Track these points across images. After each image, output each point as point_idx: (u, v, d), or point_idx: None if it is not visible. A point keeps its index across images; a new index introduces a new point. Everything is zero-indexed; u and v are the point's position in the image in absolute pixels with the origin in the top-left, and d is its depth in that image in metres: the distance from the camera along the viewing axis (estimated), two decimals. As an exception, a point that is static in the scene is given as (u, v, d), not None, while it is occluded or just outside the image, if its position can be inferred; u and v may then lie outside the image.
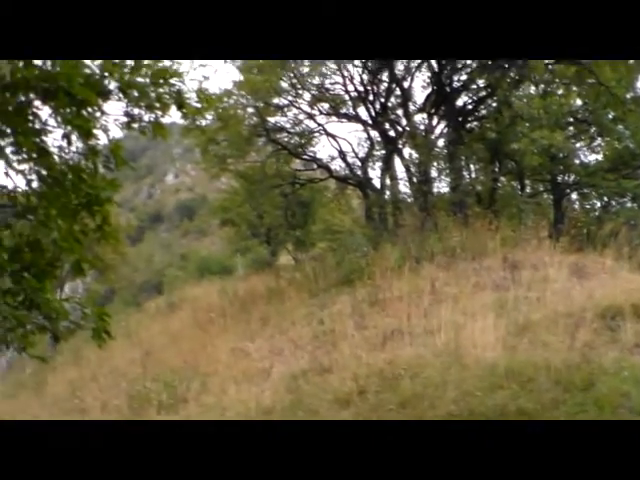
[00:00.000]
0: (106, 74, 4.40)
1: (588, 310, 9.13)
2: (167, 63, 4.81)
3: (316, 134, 23.78)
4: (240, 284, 22.51)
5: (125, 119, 5.11)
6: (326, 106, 22.86)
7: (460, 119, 20.24)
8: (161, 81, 4.82)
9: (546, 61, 17.43)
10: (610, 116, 18.32)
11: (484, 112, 20.86)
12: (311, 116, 22.86)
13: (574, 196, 22.15)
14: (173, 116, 5.40)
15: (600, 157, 20.95)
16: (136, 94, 4.85)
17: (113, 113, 5.00)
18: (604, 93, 16.82)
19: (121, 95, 4.76)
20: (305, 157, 24.32)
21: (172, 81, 4.88)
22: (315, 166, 24.74)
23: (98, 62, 4.43)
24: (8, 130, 4.14)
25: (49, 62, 4.09)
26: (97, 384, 14.37)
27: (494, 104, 19.87)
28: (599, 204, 21.39)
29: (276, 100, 21.92)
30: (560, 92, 18.57)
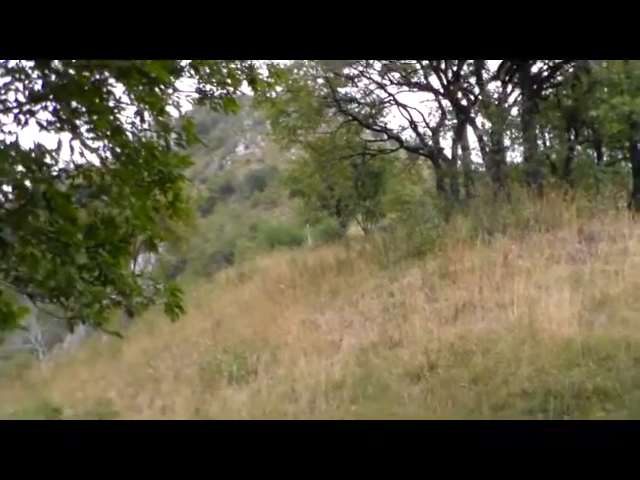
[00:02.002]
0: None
1: (670, 284, 8.86)
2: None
3: (387, 104, 23.65)
4: (310, 255, 22.59)
5: (197, 95, 5.13)
6: (397, 75, 22.64)
7: (535, 86, 19.68)
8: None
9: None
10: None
11: (560, 79, 20.25)
12: (382, 86, 22.67)
13: (656, 163, 21.41)
14: (243, 88, 5.39)
15: (686, 122, 20.14)
16: (208, 70, 4.86)
17: (185, 89, 5.02)
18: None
19: (193, 72, 4.76)
20: (375, 127, 24.16)
21: (243, 56, 4.85)
22: (385, 136, 24.56)
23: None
24: (83, 109, 4.18)
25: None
26: (170, 353, 14.71)
27: (571, 70, 19.27)
28: (684, 171, 20.61)
29: (346, 70, 21.80)
30: (643, 54, 17.84)
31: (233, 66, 5.06)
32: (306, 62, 20.87)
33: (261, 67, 5.40)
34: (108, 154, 4.43)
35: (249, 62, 5.12)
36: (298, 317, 12.55)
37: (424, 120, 23.50)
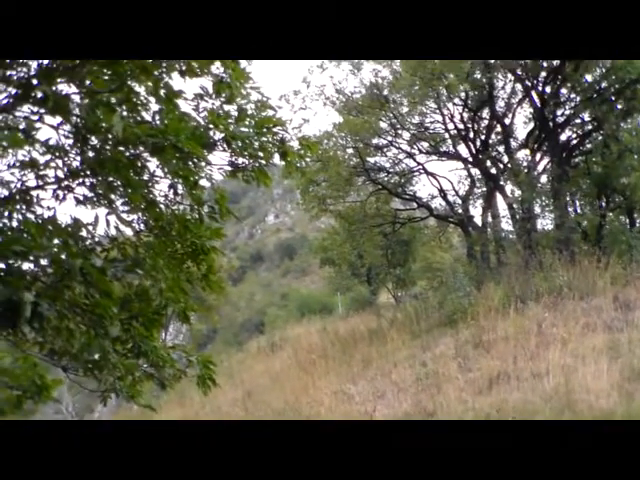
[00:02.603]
0: (211, 126, 4.48)
1: None
2: (270, 112, 4.87)
3: (416, 173, 23.81)
4: (341, 324, 22.52)
5: (229, 168, 5.21)
6: (425, 145, 22.84)
7: (564, 154, 19.76)
8: (264, 130, 4.88)
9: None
10: None
11: (590, 147, 20.32)
12: (411, 155, 22.87)
13: (688, 230, 21.21)
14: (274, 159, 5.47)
15: None
16: (240, 144, 4.94)
17: (218, 163, 5.10)
18: None
19: (225, 146, 4.85)
20: (405, 196, 24.29)
21: (275, 129, 4.92)
22: (415, 205, 24.67)
23: (204, 114, 4.53)
24: (118, 183, 4.26)
25: (157, 117, 4.20)
26: (201, 424, 14.56)
27: (600, 138, 19.33)
28: None
29: (375, 140, 22.08)
30: (671, 122, 17.92)
31: (264, 139, 5.14)
32: (336, 133, 21.18)
33: (292, 139, 5.48)
34: (142, 226, 4.50)
35: (281, 135, 5.18)
36: (330, 387, 12.42)
37: (453, 188, 23.62)
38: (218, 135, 4.83)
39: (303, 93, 20.07)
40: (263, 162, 5.20)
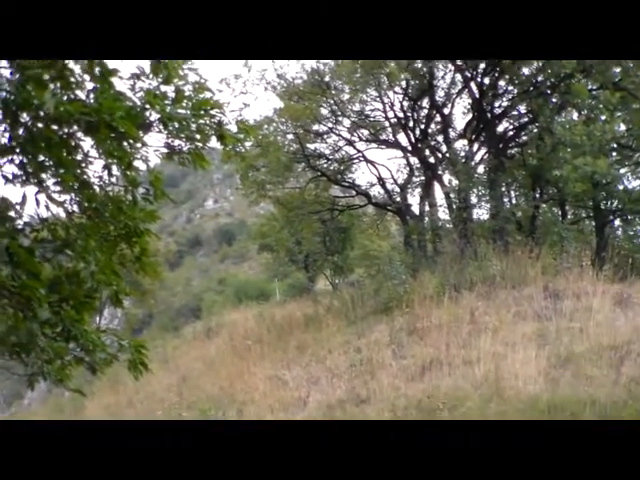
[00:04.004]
0: (147, 106, 4.40)
1: (634, 343, 8.94)
2: (208, 94, 4.81)
3: (355, 160, 23.87)
4: (277, 310, 22.52)
5: (165, 150, 5.13)
6: (366, 132, 22.94)
7: (501, 145, 20.09)
8: (202, 112, 4.81)
9: (589, 86, 17.29)
10: (655, 141, 18.08)
11: (525, 138, 20.70)
12: (350, 142, 22.93)
13: (617, 223, 21.82)
14: (213, 143, 5.41)
15: (644, 183, 20.66)
16: (177, 126, 4.87)
17: (154, 144, 5.03)
18: (649, 118, 16.62)
19: (162, 127, 4.78)
20: (344, 183, 24.35)
21: (213, 112, 4.86)
22: (354, 192, 24.74)
23: (140, 94, 4.45)
24: (50, 162, 4.17)
25: (92, 96, 4.12)
26: (134, 410, 14.42)
27: (535, 130, 19.71)
28: (643, 231, 21.02)
29: (316, 127, 22.05)
30: (603, 118, 18.36)
31: (202, 121, 5.08)
32: (276, 118, 21.10)
33: (230, 123, 5.42)
34: (74, 207, 4.41)
35: (218, 118, 5.12)
36: (265, 373, 12.43)
37: (392, 177, 23.75)
38: (154, 116, 4.76)
39: (244, 77, 19.91)
40: (200, 145, 5.14)
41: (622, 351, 8.68)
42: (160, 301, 39.47)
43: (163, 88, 4.57)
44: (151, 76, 4.47)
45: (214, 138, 5.25)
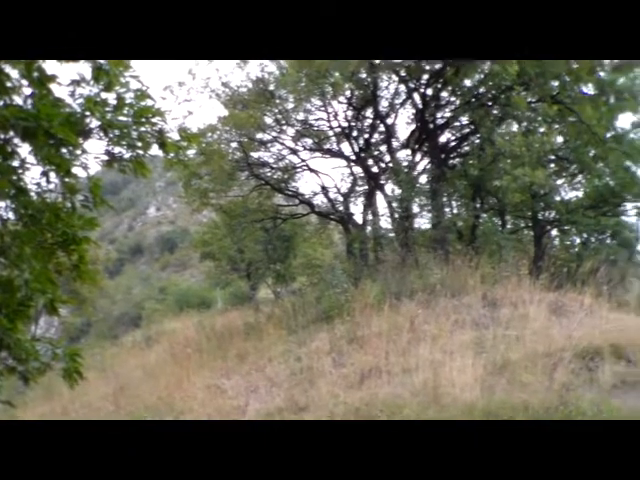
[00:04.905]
0: (87, 113, 4.38)
1: (567, 350, 9.16)
2: (150, 102, 4.80)
3: (299, 169, 23.93)
4: (219, 318, 22.42)
5: (106, 157, 5.10)
6: (309, 142, 23.00)
7: (443, 156, 20.40)
8: (143, 120, 4.81)
9: (528, 99, 17.68)
10: (591, 154, 18.57)
11: (467, 149, 21.06)
12: (294, 151, 22.99)
13: (554, 233, 22.34)
14: (156, 150, 5.39)
15: (580, 194, 21.21)
16: (117, 133, 4.85)
17: (94, 151, 5.00)
18: (585, 131, 17.06)
19: (102, 134, 4.75)
20: (287, 192, 24.40)
21: (154, 120, 4.86)
22: (297, 201, 24.80)
23: (80, 101, 4.43)
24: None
25: (29, 101, 4.09)
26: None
27: (477, 141, 20.08)
28: (579, 241, 21.58)
29: (260, 135, 22.04)
30: (542, 130, 18.80)
31: (143, 129, 5.07)
32: (220, 126, 21.03)
33: (172, 131, 5.42)
34: (10, 214, 4.35)
35: (160, 126, 5.11)
36: (204, 382, 12.34)
37: (335, 186, 23.86)
38: (94, 123, 4.73)
39: (188, 85, 19.83)
40: (141, 153, 5.12)
41: (556, 358, 8.89)
42: (99, 309, 38.85)
43: (104, 95, 4.56)
44: (92, 82, 4.46)
45: (156, 146, 5.25)
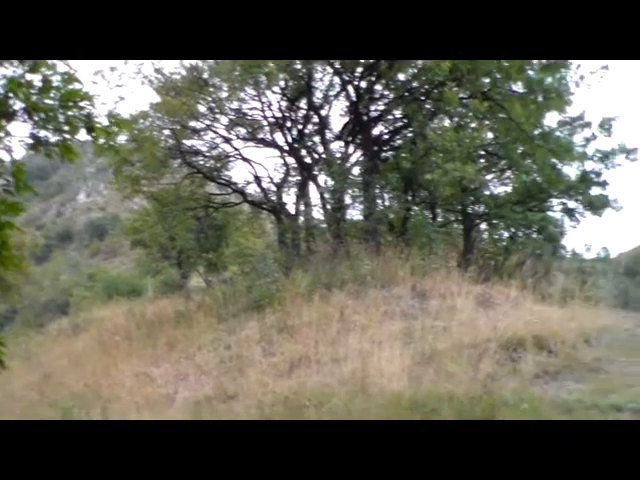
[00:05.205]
0: (11, 95, 4.28)
1: (492, 341, 9.37)
2: (78, 86, 4.72)
3: (232, 158, 23.79)
4: (149, 306, 22.20)
5: (31, 141, 4.99)
6: (243, 131, 22.87)
7: (376, 148, 20.55)
8: (71, 104, 4.72)
9: (460, 95, 17.95)
10: (519, 150, 18.94)
11: (399, 142, 21.24)
12: (228, 140, 22.83)
13: (483, 227, 22.76)
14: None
15: (509, 189, 21.63)
16: (43, 116, 4.75)
17: (19, 134, 4.88)
18: (514, 128, 17.39)
19: (26, 117, 4.65)
20: (220, 181, 24.23)
21: (82, 104, 4.78)
22: (230, 190, 24.67)
23: (2, 82, 4.33)
24: None
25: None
26: (-12, 410, 13.81)
27: (409, 135, 20.29)
28: (506, 235, 22.02)
29: (193, 123, 21.82)
30: (473, 125, 19.11)
31: (71, 113, 4.97)
32: (152, 113, 20.74)
33: (100, 116, 5.33)
34: None
35: (87, 110, 5.03)
36: (132, 370, 12.20)
37: (268, 176, 23.81)
38: (19, 105, 4.63)
39: (120, 70, 19.45)
40: (68, 137, 5.03)
41: (481, 349, 9.09)
42: (25, 296, 37.93)
43: (29, 77, 4.46)
44: (16, 63, 4.36)
45: (84, 131, 5.16)
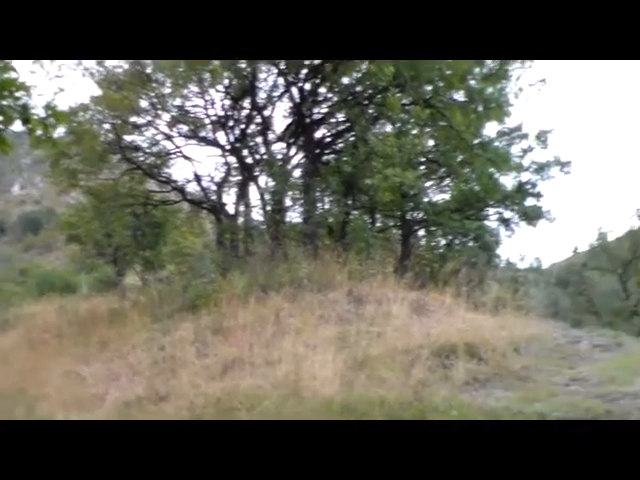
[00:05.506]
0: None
1: (424, 347, 9.47)
2: (14, 75, 4.61)
3: (173, 156, 23.54)
4: (82, 304, 21.81)
5: (-39, 129, 4.85)
6: (185, 128, 22.65)
7: (317, 151, 20.62)
8: (5, 93, 4.62)
9: (403, 101, 18.14)
10: (459, 159, 19.26)
11: (341, 146, 21.36)
12: (169, 137, 22.60)
13: (421, 233, 23.04)
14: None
15: (448, 197, 21.98)
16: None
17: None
18: (454, 136, 17.68)
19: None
20: (160, 178, 23.96)
21: (18, 94, 4.67)
22: (169, 188, 24.43)
23: None
24: None
25: None
26: None
27: (351, 139, 20.42)
28: (444, 242, 22.33)
29: (134, 118, 21.53)
30: (414, 132, 19.32)
31: (5, 103, 4.86)
32: (93, 106, 20.40)
33: (37, 107, 5.22)
34: None
35: (23, 101, 4.92)
36: (62, 368, 11.92)
37: (209, 175, 23.64)
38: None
39: (60, 61, 19.07)
40: (2, 127, 4.92)
41: (414, 355, 9.18)
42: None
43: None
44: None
45: (19, 121, 5.05)
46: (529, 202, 19.97)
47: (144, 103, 20.99)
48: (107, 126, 21.07)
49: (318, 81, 19.98)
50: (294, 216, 21.46)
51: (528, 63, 18.19)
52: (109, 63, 20.20)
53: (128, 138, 22.37)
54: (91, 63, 19.98)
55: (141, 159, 23.01)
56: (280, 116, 22.22)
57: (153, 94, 20.56)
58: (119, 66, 20.33)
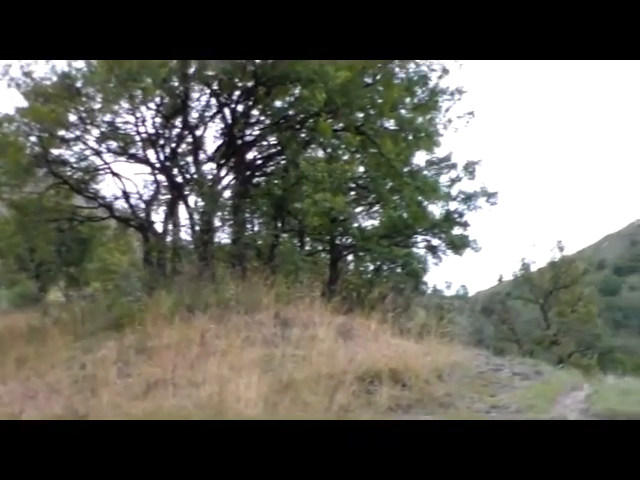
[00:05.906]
0: None
1: (349, 372, 9.54)
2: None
3: (101, 172, 23.15)
4: (1, 319, 21.17)
5: None
6: (114, 145, 22.32)
7: (248, 173, 20.60)
8: None
9: (334, 127, 18.32)
10: (388, 186, 19.53)
11: (272, 169, 21.40)
12: (98, 153, 22.22)
13: (350, 258, 23.23)
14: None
15: (377, 223, 22.26)
16: None
17: None
18: (384, 164, 17.96)
19: None
20: (87, 194, 23.50)
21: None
22: (97, 204, 23.99)
23: None
24: None
25: None
26: None
27: (282, 162, 20.50)
28: (372, 268, 22.57)
29: (62, 132, 21.12)
30: (345, 158, 19.53)
31: None
32: (18, 118, 19.96)
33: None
34: None
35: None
36: (-25, 387, 11.56)
37: (138, 192, 23.30)
38: None
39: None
40: None
41: (338, 379, 9.22)
42: None
43: None
44: None
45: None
46: (456, 231, 20.42)
47: (73, 117, 20.60)
48: (33, 139, 20.59)
49: (251, 103, 20.02)
50: (223, 237, 21.35)
51: (457, 95, 18.69)
52: (37, 74, 19.84)
53: (55, 152, 21.89)
54: (17, 73, 19.60)
55: (68, 174, 22.53)
56: (211, 136, 22.11)
57: (82, 108, 20.23)
58: (47, 78, 19.96)
